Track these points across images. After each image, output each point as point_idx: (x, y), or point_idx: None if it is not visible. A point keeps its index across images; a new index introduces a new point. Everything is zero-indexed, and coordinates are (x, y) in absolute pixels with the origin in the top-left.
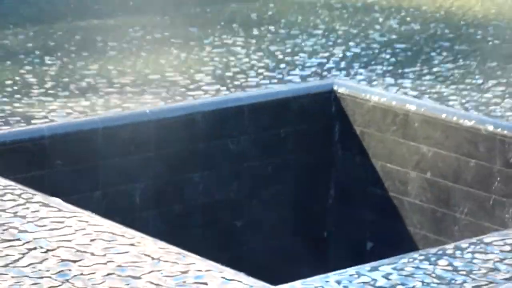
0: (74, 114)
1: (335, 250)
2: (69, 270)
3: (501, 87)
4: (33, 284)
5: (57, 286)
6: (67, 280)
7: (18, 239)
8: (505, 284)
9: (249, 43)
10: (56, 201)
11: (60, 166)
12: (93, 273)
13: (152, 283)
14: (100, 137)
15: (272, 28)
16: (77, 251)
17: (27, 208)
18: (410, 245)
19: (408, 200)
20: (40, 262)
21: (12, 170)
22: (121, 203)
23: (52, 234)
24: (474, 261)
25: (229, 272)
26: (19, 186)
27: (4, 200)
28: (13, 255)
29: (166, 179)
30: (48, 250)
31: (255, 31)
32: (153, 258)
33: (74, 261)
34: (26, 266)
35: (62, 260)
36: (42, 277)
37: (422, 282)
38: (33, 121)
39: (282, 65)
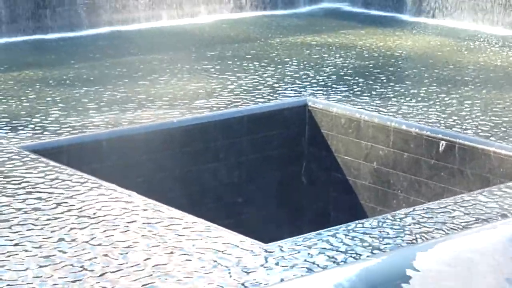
0: (124, 123)
1: (308, 219)
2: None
3: (427, 102)
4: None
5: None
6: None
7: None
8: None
9: (248, 74)
10: (112, 186)
11: (115, 160)
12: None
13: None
14: (142, 140)
15: (263, 63)
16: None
17: (91, 189)
18: (362, 214)
19: (360, 182)
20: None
21: (80, 163)
22: (157, 186)
23: (109, 206)
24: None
25: (232, 233)
26: (86, 175)
27: (75, 185)
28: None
29: (188, 169)
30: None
31: (250, 65)
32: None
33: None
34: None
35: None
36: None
37: (369, 237)
38: (94, 129)
39: (270, 88)
